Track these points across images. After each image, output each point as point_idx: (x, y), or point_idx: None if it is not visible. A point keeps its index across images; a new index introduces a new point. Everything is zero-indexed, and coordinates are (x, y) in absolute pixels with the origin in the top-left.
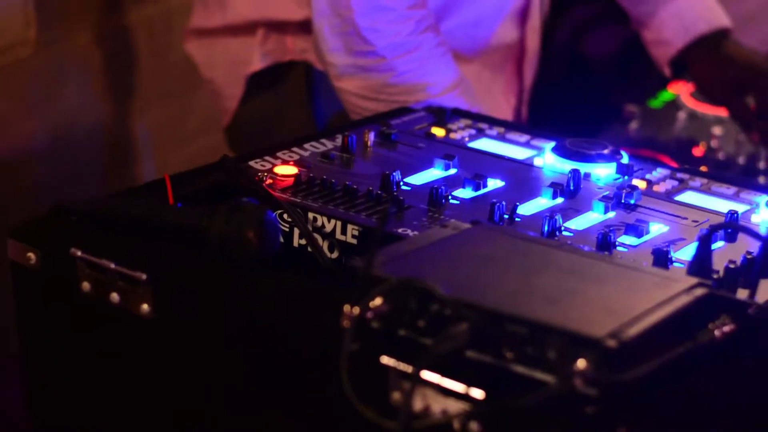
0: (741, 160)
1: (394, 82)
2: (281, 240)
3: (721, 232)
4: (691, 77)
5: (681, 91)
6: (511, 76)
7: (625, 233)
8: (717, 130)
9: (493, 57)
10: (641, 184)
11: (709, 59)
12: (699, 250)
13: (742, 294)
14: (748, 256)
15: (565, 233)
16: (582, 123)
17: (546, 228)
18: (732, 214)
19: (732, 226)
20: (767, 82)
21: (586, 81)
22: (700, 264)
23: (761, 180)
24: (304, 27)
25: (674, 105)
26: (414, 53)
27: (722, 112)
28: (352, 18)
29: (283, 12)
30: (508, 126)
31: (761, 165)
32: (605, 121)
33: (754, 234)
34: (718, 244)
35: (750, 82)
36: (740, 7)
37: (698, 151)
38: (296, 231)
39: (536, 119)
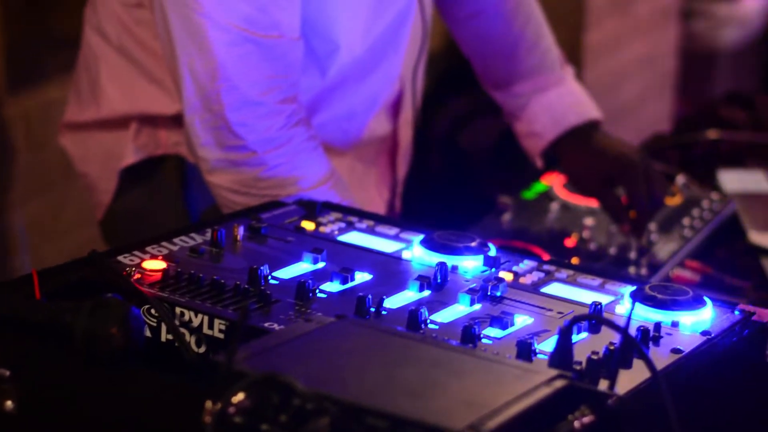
0: (612, 250)
1: (265, 176)
2: (148, 335)
3: (585, 324)
4: (562, 169)
5: (554, 182)
6: (384, 168)
7: (490, 325)
8: (589, 221)
9: (366, 150)
10: (508, 276)
11: (579, 151)
12: (559, 342)
13: (603, 385)
14: (610, 347)
15: (431, 326)
16: (458, 214)
17: (411, 321)
18: (596, 305)
19: (592, 318)
20: (636, 174)
21: (463, 173)
22: (561, 356)
23: (632, 270)
24: (177, 121)
25: (547, 196)
26: (284, 147)
27: (594, 204)
28: (223, 113)
29: (155, 106)
30: (378, 219)
31: (632, 255)
32: (480, 213)
33: (612, 325)
34: (582, 336)
35: (619, 174)
36: (615, 99)
37: (570, 242)
38: (164, 326)
39: (413, 211)
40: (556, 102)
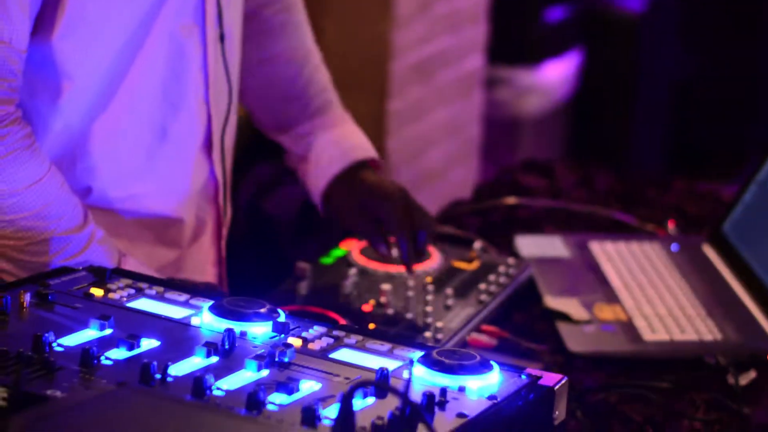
0: (409, 315)
1: None
2: None
3: (372, 389)
4: (331, 203)
5: (352, 247)
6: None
7: (276, 391)
8: (386, 286)
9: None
10: (296, 342)
11: (348, 185)
12: (341, 407)
13: None
14: (395, 413)
15: (216, 393)
16: (261, 280)
17: (196, 388)
18: (382, 371)
19: (373, 384)
20: (394, 208)
21: (268, 239)
22: (343, 421)
23: (428, 335)
24: None
25: (345, 261)
26: None
27: (391, 269)
28: None
29: None
30: (168, 285)
31: (429, 320)
32: (280, 278)
33: (393, 391)
34: (369, 401)
35: (377, 207)
36: (419, 166)
37: (367, 307)
38: None
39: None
40: (342, 137)
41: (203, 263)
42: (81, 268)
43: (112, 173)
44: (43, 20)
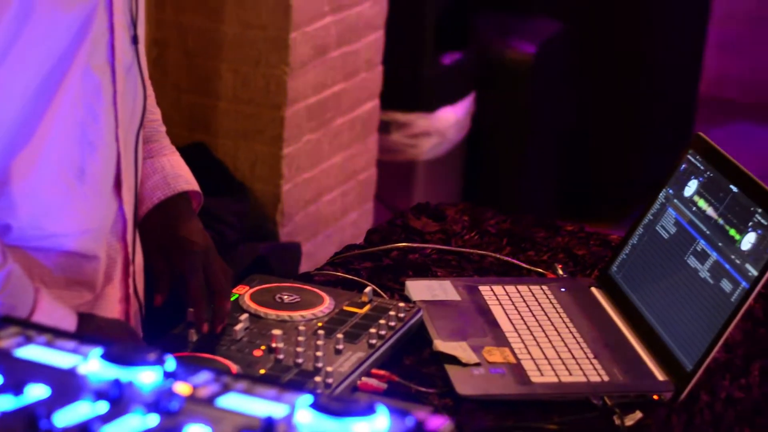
0: (300, 360)
1: None
2: None
3: None
4: (143, 230)
5: (242, 292)
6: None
7: None
8: (277, 332)
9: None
10: (184, 389)
11: (163, 219)
12: None
13: None
14: None
15: None
16: (153, 324)
17: None
18: (268, 417)
19: (260, 430)
20: (191, 264)
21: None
22: None
23: (318, 379)
24: None
25: (237, 306)
26: None
27: (283, 314)
28: None
29: None
30: (57, 333)
31: (320, 365)
32: (171, 325)
33: None
34: None
35: (178, 258)
36: (315, 212)
37: (258, 352)
38: None
39: None
40: (169, 166)
41: (113, 301)
42: None
43: (32, 212)
44: None
